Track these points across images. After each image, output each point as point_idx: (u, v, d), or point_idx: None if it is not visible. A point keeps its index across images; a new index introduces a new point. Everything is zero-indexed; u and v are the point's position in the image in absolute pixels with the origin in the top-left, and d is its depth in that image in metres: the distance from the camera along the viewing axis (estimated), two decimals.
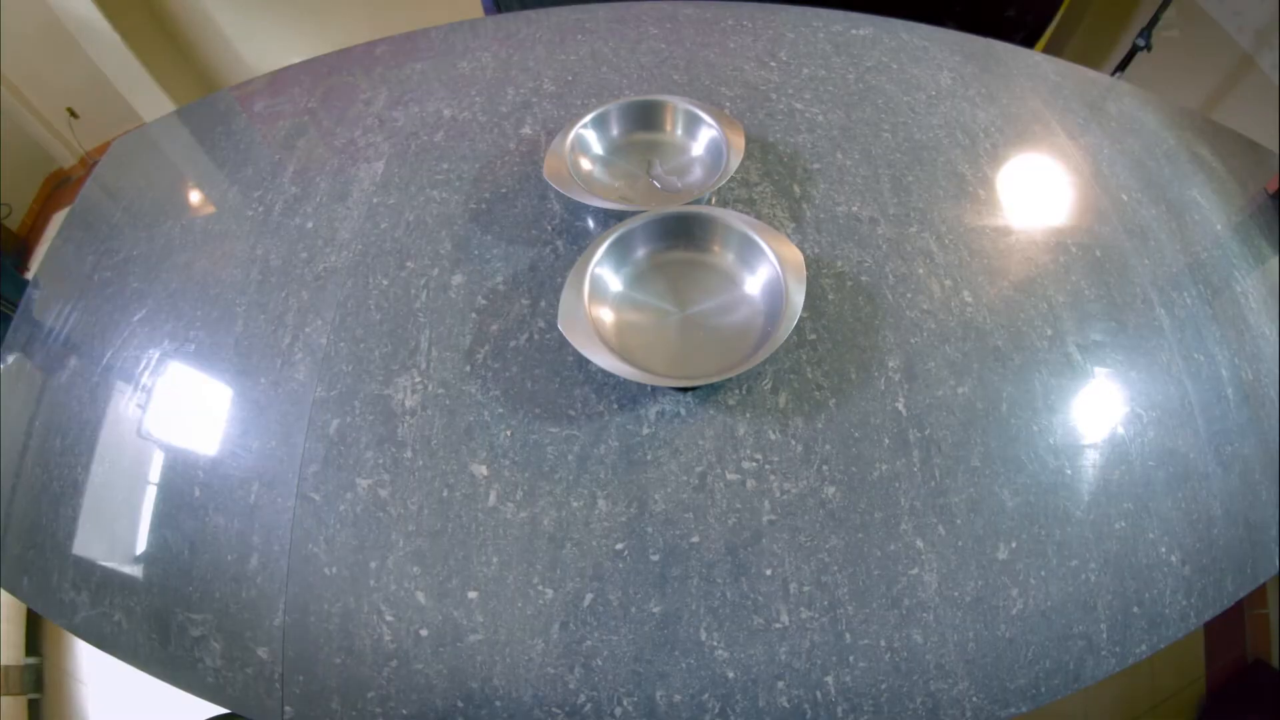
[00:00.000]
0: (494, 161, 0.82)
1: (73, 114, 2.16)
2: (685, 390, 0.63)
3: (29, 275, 0.86)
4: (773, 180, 0.78)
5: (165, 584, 0.60)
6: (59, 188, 2.26)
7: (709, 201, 0.73)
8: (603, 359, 0.60)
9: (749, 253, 0.67)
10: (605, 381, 0.64)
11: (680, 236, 0.69)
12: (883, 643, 0.54)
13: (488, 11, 1.44)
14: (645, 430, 0.62)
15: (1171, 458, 0.62)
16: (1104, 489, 0.60)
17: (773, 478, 0.59)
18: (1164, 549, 0.58)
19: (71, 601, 0.61)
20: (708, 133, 0.77)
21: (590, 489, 0.60)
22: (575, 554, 0.57)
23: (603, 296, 0.66)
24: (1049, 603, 0.55)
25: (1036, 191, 0.78)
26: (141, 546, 0.62)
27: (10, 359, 0.77)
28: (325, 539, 0.59)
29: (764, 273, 0.66)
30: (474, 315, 0.69)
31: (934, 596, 0.55)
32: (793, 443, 0.61)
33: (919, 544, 0.57)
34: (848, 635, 0.54)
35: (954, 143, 0.82)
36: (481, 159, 0.82)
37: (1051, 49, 1.68)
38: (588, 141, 0.79)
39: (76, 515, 0.65)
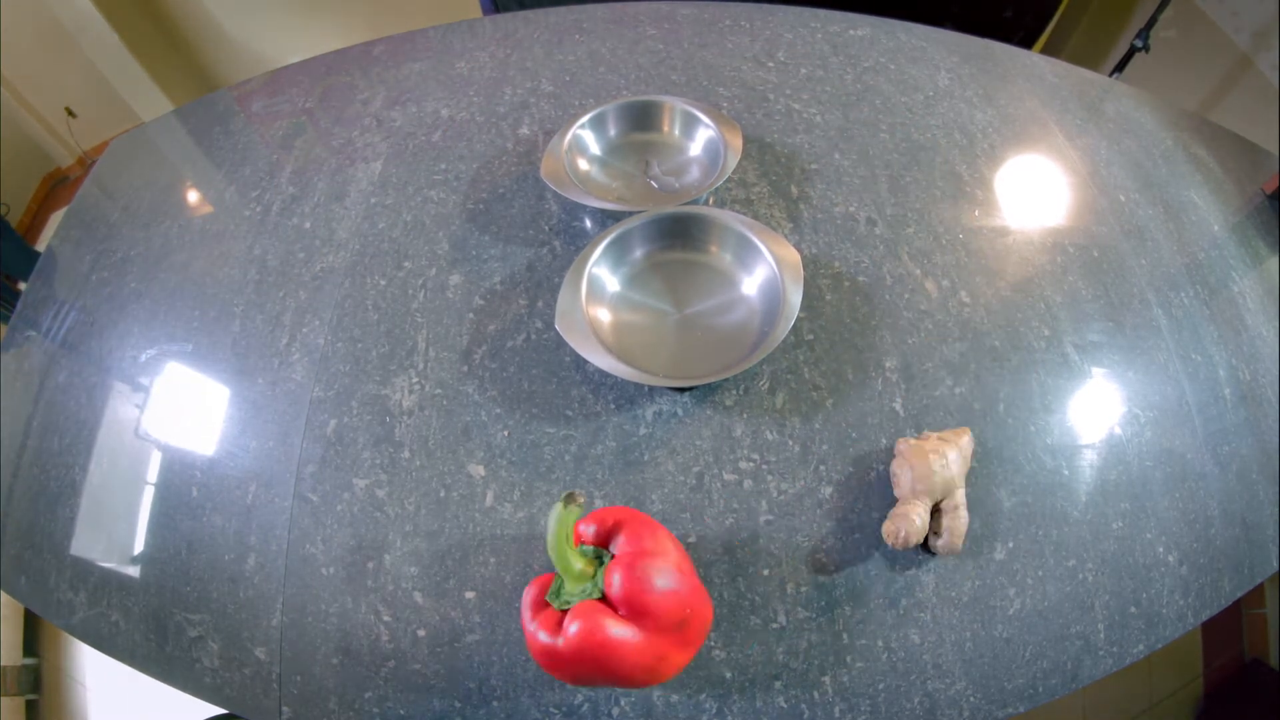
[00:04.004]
0: (491, 162, 0.82)
1: (71, 113, 2.16)
2: (682, 390, 0.63)
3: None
4: (770, 180, 0.78)
5: (163, 584, 0.60)
6: (57, 187, 2.26)
7: (706, 202, 0.73)
8: (600, 359, 0.60)
9: (746, 253, 0.67)
10: (602, 382, 0.64)
11: (677, 237, 0.69)
12: (880, 642, 0.54)
13: (486, 12, 1.44)
14: (642, 430, 0.62)
15: (1169, 458, 0.62)
16: (1101, 489, 0.60)
17: (770, 478, 0.59)
18: (1161, 549, 0.58)
19: (69, 602, 0.61)
20: (705, 133, 0.77)
21: (587, 489, 0.60)
22: None
23: (600, 297, 0.66)
24: (1046, 603, 0.55)
25: (1034, 192, 0.79)
26: (139, 547, 0.62)
27: (8, 359, 0.77)
28: (323, 539, 0.59)
29: (761, 273, 0.66)
30: (471, 315, 0.69)
31: (931, 596, 0.55)
32: (790, 443, 0.61)
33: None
34: (845, 635, 0.54)
35: (951, 143, 0.82)
36: (479, 159, 0.82)
37: (1049, 50, 1.68)
38: (585, 142, 0.79)
39: (74, 515, 0.65)
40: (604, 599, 0.41)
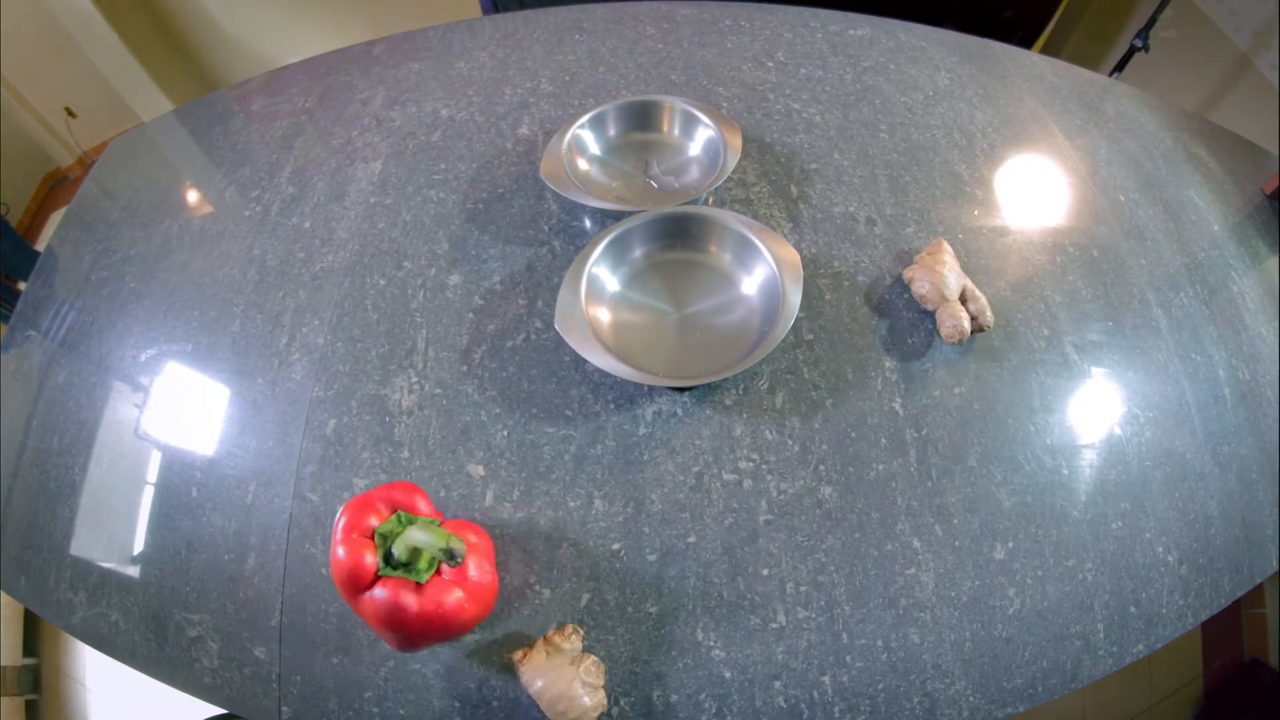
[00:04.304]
0: (491, 162, 0.82)
1: (70, 113, 2.16)
2: (682, 390, 0.63)
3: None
4: (770, 180, 0.78)
5: (162, 584, 0.60)
6: (56, 187, 2.26)
7: (706, 201, 0.73)
8: (599, 359, 0.60)
9: (746, 253, 0.67)
10: (602, 381, 0.64)
11: (677, 237, 0.69)
12: (879, 642, 0.54)
13: (485, 11, 1.44)
14: (642, 430, 0.62)
15: (1168, 458, 0.62)
16: (1101, 489, 0.60)
17: (769, 478, 0.59)
18: (1161, 549, 0.58)
19: (69, 602, 0.61)
20: (705, 133, 0.77)
21: (587, 489, 0.60)
22: (572, 554, 0.57)
23: (600, 296, 0.66)
24: (1046, 603, 0.55)
25: (1034, 192, 0.79)
26: (139, 546, 0.62)
27: (8, 359, 0.77)
28: (322, 539, 0.59)
29: (761, 273, 0.66)
30: (471, 315, 0.69)
31: (931, 596, 0.55)
32: (789, 442, 0.61)
33: (916, 544, 0.57)
34: (844, 635, 0.54)
35: (951, 143, 0.82)
36: (479, 159, 0.82)
37: (1049, 50, 1.68)
38: (585, 142, 0.79)
39: (74, 515, 0.65)
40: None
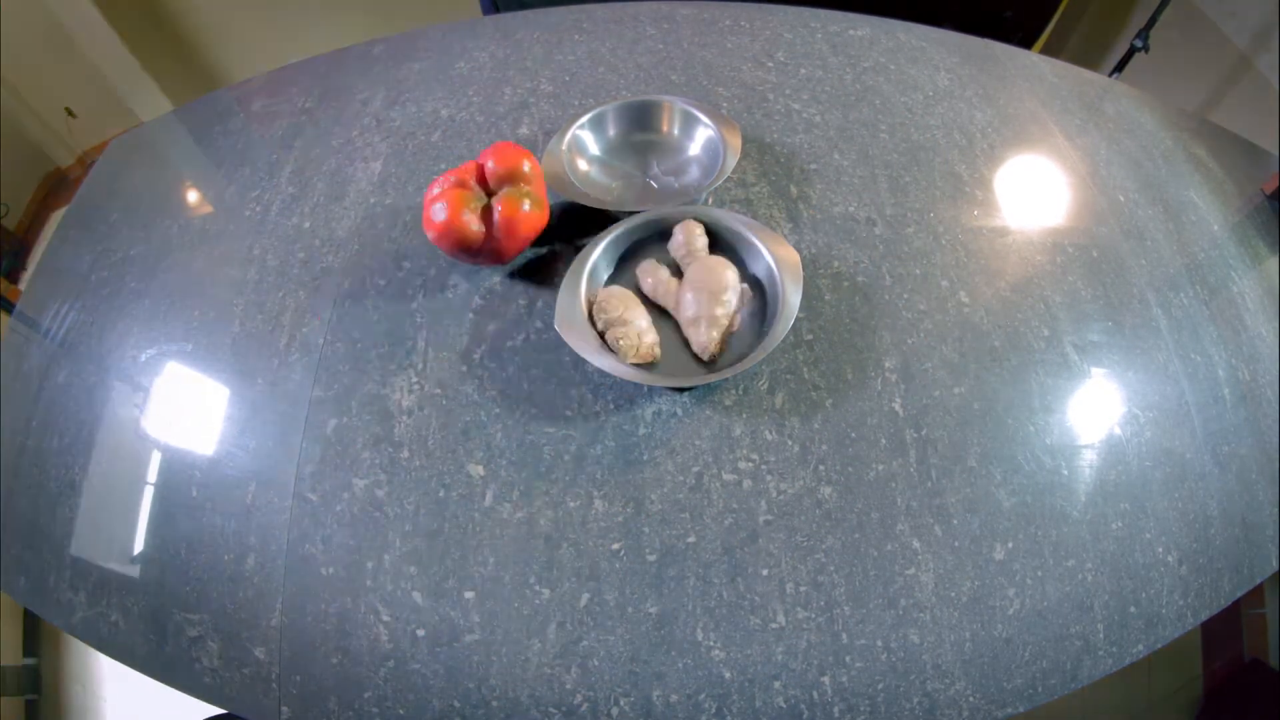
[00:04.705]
0: None
1: (70, 113, 2.16)
2: (681, 391, 0.63)
3: (26, 275, 0.85)
4: (769, 180, 0.78)
5: (162, 584, 0.60)
6: (56, 187, 2.26)
7: (706, 202, 0.73)
8: (599, 359, 0.60)
9: (746, 253, 0.67)
10: (601, 382, 0.64)
11: None
12: (879, 643, 0.54)
13: (485, 11, 1.44)
14: (641, 430, 0.62)
15: (1168, 458, 0.62)
16: (1101, 489, 0.60)
17: (769, 478, 0.59)
18: (1161, 549, 0.58)
19: (68, 602, 0.61)
20: (704, 133, 0.77)
21: (587, 489, 0.60)
22: (572, 554, 0.57)
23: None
24: (1045, 603, 0.55)
25: (1033, 192, 0.79)
26: (138, 546, 0.62)
27: (8, 359, 0.76)
28: (322, 539, 0.59)
29: (760, 273, 0.66)
30: (471, 315, 0.69)
31: (930, 597, 0.55)
32: (789, 443, 0.61)
33: (915, 544, 0.57)
34: (844, 635, 0.54)
35: (951, 143, 0.82)
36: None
37: (1049, 50, 1.68)
38: (585, 142, 0.79)
39: (74, 515, 0.65)
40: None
